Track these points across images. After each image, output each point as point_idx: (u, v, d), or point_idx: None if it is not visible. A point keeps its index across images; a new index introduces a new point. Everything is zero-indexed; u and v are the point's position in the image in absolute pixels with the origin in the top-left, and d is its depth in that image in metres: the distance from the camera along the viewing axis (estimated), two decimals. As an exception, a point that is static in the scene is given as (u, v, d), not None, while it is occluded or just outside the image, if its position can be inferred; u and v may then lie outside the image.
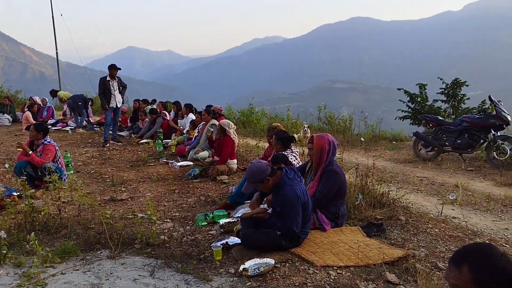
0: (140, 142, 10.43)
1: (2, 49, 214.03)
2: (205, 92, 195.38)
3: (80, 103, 13.19)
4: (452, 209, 5.46)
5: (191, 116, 10.21)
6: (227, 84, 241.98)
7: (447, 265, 1.72)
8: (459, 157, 8.70)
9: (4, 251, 3.64)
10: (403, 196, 5.31)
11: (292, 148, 5.72)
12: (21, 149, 6.17)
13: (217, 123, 7.85)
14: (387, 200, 5.01)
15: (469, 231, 4.50)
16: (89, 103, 13.99)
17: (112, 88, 9.99)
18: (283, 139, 5.66)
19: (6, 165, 7.66)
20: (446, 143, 8.53)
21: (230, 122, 7.34)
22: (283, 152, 5.46)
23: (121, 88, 10.26)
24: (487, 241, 4.22)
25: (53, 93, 15.21)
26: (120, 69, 10.14)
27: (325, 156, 4.30)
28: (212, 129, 8.07)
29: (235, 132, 7.33)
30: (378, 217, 4.65)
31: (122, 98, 10.58)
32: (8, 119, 14.17)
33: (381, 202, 4.96)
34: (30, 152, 6.06)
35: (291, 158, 5.37)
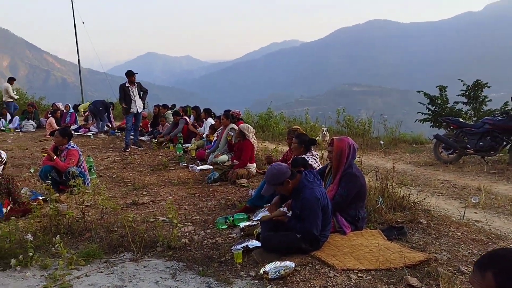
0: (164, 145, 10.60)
1: (26, 57, 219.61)
2: (223, 97, 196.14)
3: (101, 108, 13.50)
4: (475, 213, 5.38)
5: (210, 120, 10.29)
6: (245, 89, 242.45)
7: (472, 269, 1.70)
8: (481, 159, 8.53)
9: (31, 254, 3.74)
10: (424, 199, 5.25)
11: (312, 151, 5.72)
12: (46, 154, 6.31)
13: (236, 127, 7.89)
14: (408, 203, 4.97)
15: (493, 235, 4.43)
16: (111, 107, 14.27)
17: (132, 93, 10.15)
18: (306, 142, 5.63)
19: (32, 170, 7.84)
20: (468, 146, 8.39)
21: (250, 126, 7.37)
22: (303, 156, 5.46)
23: (141, 93, 10.41)
24: (511, 245, 4.15)
25: (76, 108, 16.34)
26: (136, 73, 10.30)
27: (345, 159, 4.29)
28: (231, 133, 8.11)
29: (254, 136, 7.36)
30: (398, 220, 4.62)
31: (143, 103, 10.74)
32: (32, 125, 14.54)
33: (402, 205, 4.93)
34: (55, 157, 6.20)
35: (311, 161, 5.37)
